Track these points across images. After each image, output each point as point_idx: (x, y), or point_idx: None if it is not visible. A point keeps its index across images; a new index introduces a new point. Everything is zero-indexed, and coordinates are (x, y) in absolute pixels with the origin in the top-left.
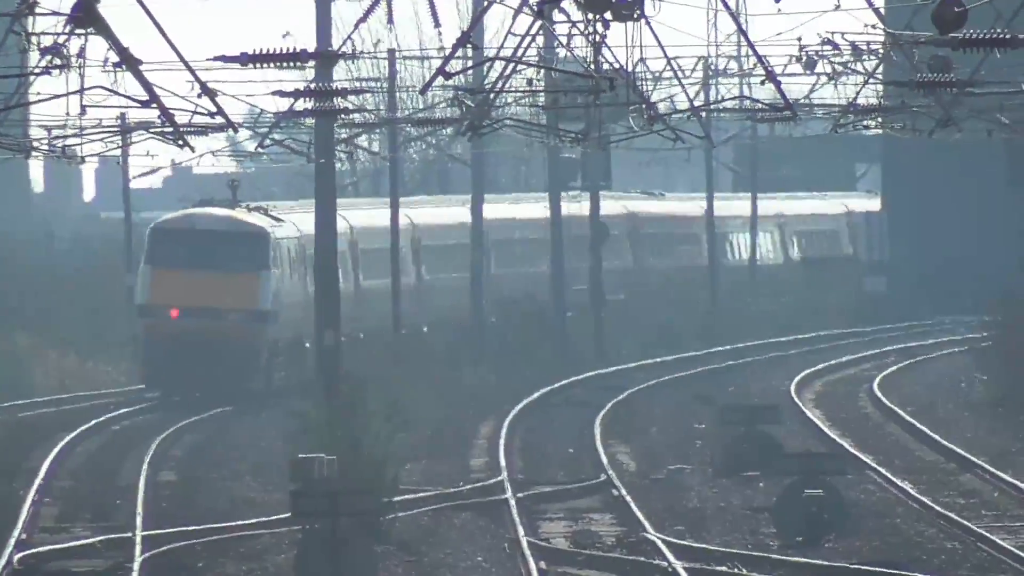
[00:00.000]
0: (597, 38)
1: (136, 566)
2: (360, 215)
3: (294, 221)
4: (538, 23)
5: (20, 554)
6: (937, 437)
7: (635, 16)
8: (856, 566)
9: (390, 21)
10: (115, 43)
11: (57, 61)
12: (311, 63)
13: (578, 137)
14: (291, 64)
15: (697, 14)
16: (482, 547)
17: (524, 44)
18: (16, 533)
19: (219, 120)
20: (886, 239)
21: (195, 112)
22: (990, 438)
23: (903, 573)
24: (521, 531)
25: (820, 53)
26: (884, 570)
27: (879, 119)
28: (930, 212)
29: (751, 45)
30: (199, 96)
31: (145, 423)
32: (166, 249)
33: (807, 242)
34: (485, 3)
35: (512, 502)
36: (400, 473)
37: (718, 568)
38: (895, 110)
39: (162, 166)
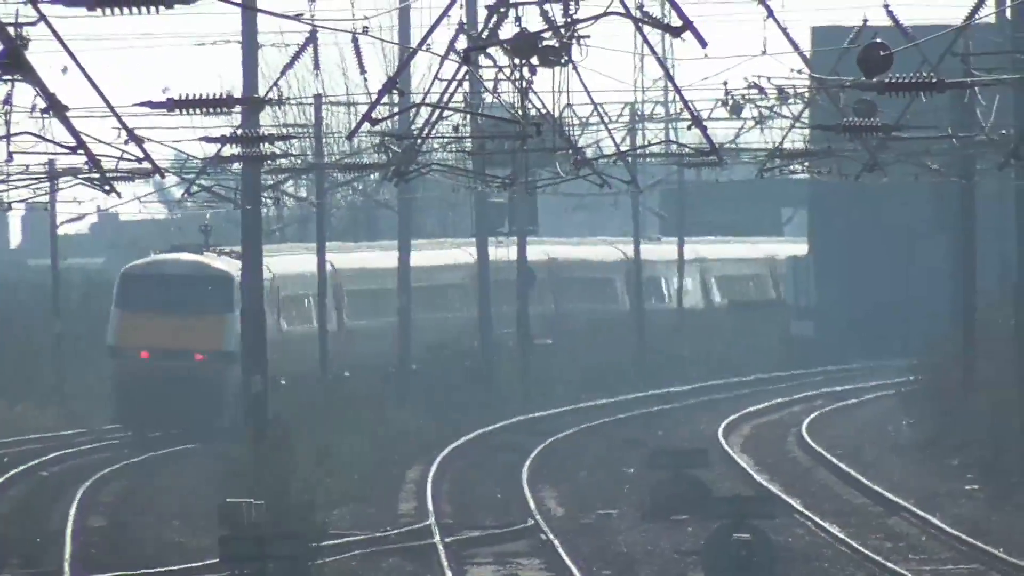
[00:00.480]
0: (524, 83)
1: None
2: (347, 258)
3: (268, 264)
4: (464, 69)
5: None
6: (865, 480)
7: (562, 61)
8: None
9: (316, 67)
10: (43, 89)
11: None
12: (238, 109)
13: (505, 182)
14: (218, 110)
15: (624, 59)
16: None
17: (450, 90)
18: None
19: (146, 166)
20: (813, 283)
21: (122, 158)
22: (917, 481)
23: None
24: (449, 575)
25: (746, 98)
26: None
27: (805, 163)
28: (857, 256)
29: (678, 90)
30: (126, 142)
31: (75, 468)
32: (134, 293)
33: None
34: (411, 49)
35: (440, 547)
36: (328, 517)
37: None
38: (821, 154)
39: (88, 212)
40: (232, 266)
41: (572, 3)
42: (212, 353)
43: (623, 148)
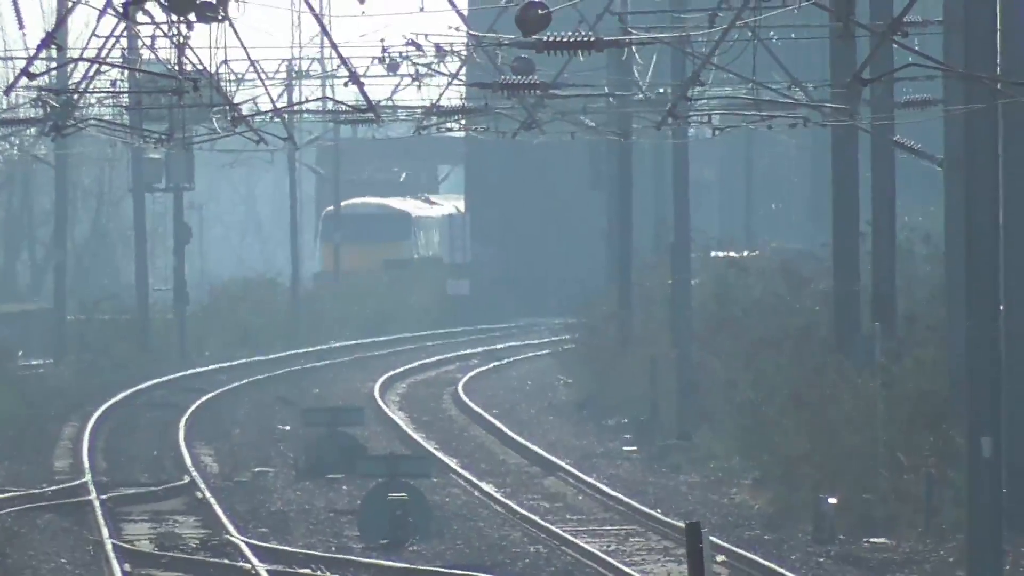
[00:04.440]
0: (181, 39)
1: None
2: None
3: (456, 205)
4: (122, 24)
5: None
6: (521, 440)
7: (219, 18)
8: (440, 569)
9: None
10: None
11: None
12: None
13: (162, 138)
14: None
15: (281, 15)
16: (66, 549)
17: (108, 45)
18: None
19: None
20: (468, 241)
21: None
22: (574, 441)
23: None
24: (105, 533)
25: (404, 55)
26: (468, 573)
27: (462, 120)
28: (513, 214)
29: (335, 46)
30: None
31: None
32: (333, 229)
33: None
34: (69, 4)
35: (96, 504)
36: None
37: (301, 571)
38: (478, 112)
39: None
40: (412, 206)
41: None
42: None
43: (280, 105)
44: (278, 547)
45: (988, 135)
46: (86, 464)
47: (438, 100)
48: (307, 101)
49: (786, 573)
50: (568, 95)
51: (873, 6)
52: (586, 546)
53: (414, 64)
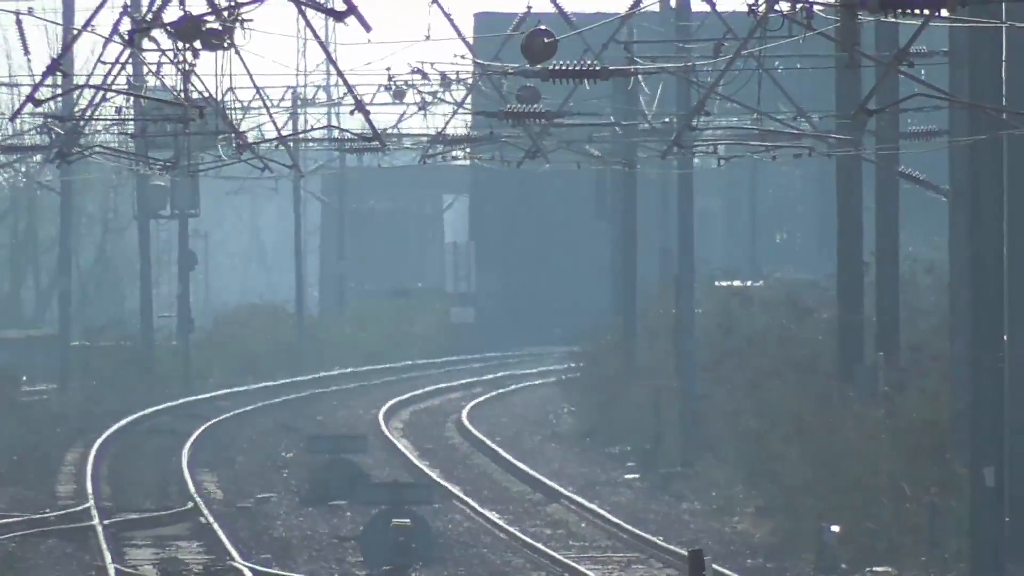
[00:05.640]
0: (187, 67)
1: None
2: None
3: None
4: (128, 51)
5: None
6: (524, 467)
7: (224, 45)
8: None
9: None
10: None
11: None
12: None
13: (167, 165)
14: None
15: (287, 43)
16: (68, 574)
17: (114, 72)
18: None
19: None
20: (473, 269)
21: None
22: (577, 469)
23: None
24: (108, 558)
25: (409, 83)
26: None
27: (467, 149)
28: (518, 243)
29: (340, 74)
30: None
31: None
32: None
33: None
34: (75, 31)
35: (99, 529)
36: None
37: None
38: (483, 140)
39: None
40: None
41: None
42: None
43: (285, 132)
44: (281, 573)
45: (993, 165)
46: (89, 490)
47: (443, 128)
48: (312, 129)
49: None
50: (573, 124)
51: (879, 37)
52: (589, 573)
53: (420, 92)
